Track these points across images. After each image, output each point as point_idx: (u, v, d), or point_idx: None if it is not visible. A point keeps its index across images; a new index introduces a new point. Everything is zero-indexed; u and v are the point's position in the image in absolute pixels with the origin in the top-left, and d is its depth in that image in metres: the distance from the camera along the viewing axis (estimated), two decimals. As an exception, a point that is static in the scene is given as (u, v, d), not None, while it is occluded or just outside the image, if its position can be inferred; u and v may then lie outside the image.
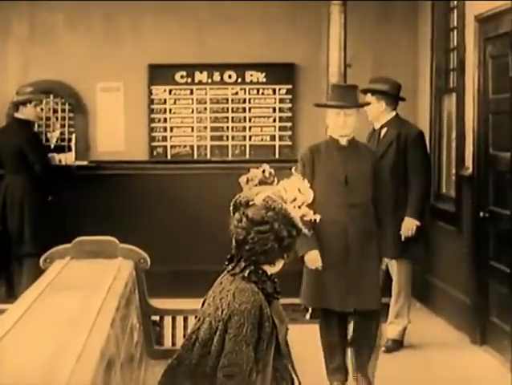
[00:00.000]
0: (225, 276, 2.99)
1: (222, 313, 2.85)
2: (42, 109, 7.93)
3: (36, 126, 8.34)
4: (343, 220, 5.13)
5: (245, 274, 2.92)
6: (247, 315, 2.82)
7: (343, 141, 5.21)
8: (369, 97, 6.34)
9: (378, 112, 6.33)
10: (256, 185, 2.97)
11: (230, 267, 2.98)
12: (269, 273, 2.99)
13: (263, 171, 2.99)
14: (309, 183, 4.47)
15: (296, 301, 7.45)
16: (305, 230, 2.94)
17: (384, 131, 6.35)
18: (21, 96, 7.53)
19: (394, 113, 6.38)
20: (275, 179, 3.01)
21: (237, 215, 2.94)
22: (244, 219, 2.91)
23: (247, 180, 2.98)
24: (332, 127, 5.24)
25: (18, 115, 7.52)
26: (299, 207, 2.94)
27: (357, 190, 5.17)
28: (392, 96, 6.33)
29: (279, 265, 3.00)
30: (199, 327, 2.91)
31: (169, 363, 2.96)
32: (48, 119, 8.48)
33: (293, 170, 3.04)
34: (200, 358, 2.86)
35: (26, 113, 7.49)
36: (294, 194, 2.93)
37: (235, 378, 2.78)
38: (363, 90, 6.36)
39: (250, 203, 2.93)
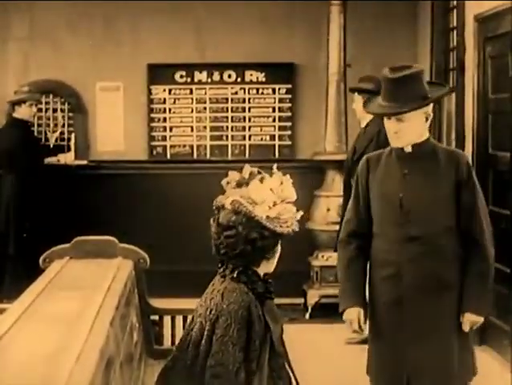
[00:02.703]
0: (217, 277, 3.00)
1: (210, 313, 2.86)
2: (40, 109, 7.98)
3: (36, 126, 8.36)
4: (395, 260, 3.68)
5: (234, 275, 2.92)
6: (234, 316, 2.82)
7: (408, 147, 3.71)
8: (356, 96, 6.40)
9: (363, 111, 6.35)
10: (234, 188, 2.96)
11: (222, 269, 2.99)
12: (260, 273, 2.98)
13: (243, 172, 2.98)
14: (361, 206, 3.82)
15: (296, 301, 7.48)
16: (284, 229, 2.90)
17: (367, 128, 6.38)
18: (16, 96, 7.58)
19: None
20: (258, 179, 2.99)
21: (211, 220, 2.96)
22: (214, 224, 2.92)
23: (227, 183, 2.98)
24: (388, 134, 3.77)
25: (14, 114, 7.59)
26: (274, 206, 2.92)
27: (420, 217, 3.65)
28: (378, 94, 6.31)
29: (267, 265, 2.99)
30: (192, 328, 2.92)
31: (165, 365, 2.96)
32: (48, 118, 8.48)
33: (274, 168, 3.02)
34: (193, 358, 2.87)
35: (21, 113, 7.56)
36: (264, 194, 2.90)
37: (221, 378, 2.78)
38: (351, 89, 6.56)
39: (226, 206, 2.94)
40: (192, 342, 2.88)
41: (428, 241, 3.64)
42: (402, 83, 3.62)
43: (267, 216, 2.87)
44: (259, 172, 2.97)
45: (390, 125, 3.67)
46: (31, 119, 7.81)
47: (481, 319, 3.68)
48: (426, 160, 3.71)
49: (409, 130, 3.64)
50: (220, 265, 3.00)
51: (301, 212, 2.97)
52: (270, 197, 2.89)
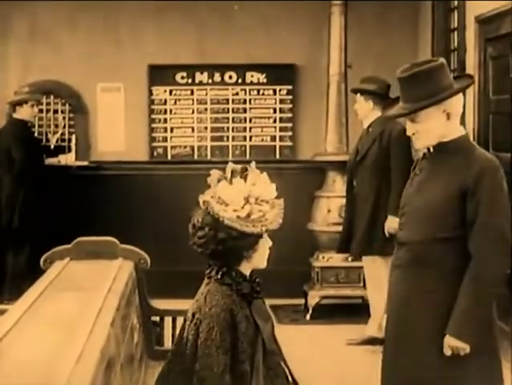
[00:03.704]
0: (205, 279, 3.02)
1: (194, 317, 2.88)
2: (41, 110, 7.99)
3: (37, 126, 8.36)
4: (392, 265, 3.52)
5: (218, 277, 2.93)
6: (216, 319, 2.83)
7: (431, 148, 3.42)
8: (358, 97, 6.40)
9: (366, 112, 6.35)
10: (216, 186, 2.98)
11: (208, 270, 3.01)
12: (246, 273, 2.99)
13: (226, 170, 2.99)
14: None
15: (296, 301, 7.48)
16: (256, 229, 2.90)
17: (370, 129, 6.38)
18: (17, 96, 7.58)
19: None
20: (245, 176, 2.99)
21: (192, 219, 2.99)
22: (190, 224, 2.95)
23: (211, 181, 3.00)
24: None
25: (15, 115, 7.59)
26: (246, 204, 2.92)
27: (411, 222, 3.41)
28: (381, 96, 6.32)
29: (250, 264, 2.99)
30: (183, 331, 2.94)
31: (161, 370, 2.98)
32: (49, 119, 8.48)
33: (251, 166, 3.02)
34: (186, 362, 2.88)
35: (22, 113, 7.55)
36: (232, 194, 2.91)
37: (206, 382, 2.79)
38: (352, 90, 6.55)
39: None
40: (183, 346, 2.89)
41: (415, 249, 3.34)
42: (411, 82, 3.31)
43: (238, 216, 2.88)
44: (245, 170, 2.97)
45: (407, 127, 3.40)
46: (32, 119, 7.81)
47: (462, 345, 3.24)
48: (441, 162, 3.37)
49: (426, 131, 3.33)
50: (207, 267, 3.01)
51: (274, 212, 2.95)
52: (238, 197, 2.90)
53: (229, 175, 2.95)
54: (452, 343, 3.24)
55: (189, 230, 2.96)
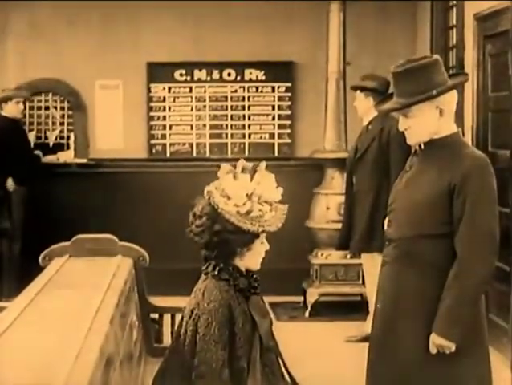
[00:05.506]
0: (201, 275, 3.03)
1: (192, 313, 2.88)
2: (39, 107, 7.98)
3: (36, 124, 8.36)
4: (382, 261, 3.49)
5: (216, 272, 2.94)
6: (215, 314, 2.83)
7: (422, 144, 3.40)
8: (358, 94, 6.40)
9: (366, 109, 6.35)
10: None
11: (205, 266, 3.02)
12: (242, 269, 2.99)
13: (237, 166, 3.00)
14: None
15: (295, 299, 7.48)
16: (254, 227, 2.90)
17: (369, 127, 6.37)
18: (2, 93, 7.60)
19: None
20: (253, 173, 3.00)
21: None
22: (191, 212, 2.97)
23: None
24: None
25: (3, 112, 7.60)
26: (247, 201, 2.93)
27: (399, 219, 3.39)
28: (381, 93, 6.31)
29: (244, 262, 2.99)
30: (181, 329, 2.94)
31: (159, 367, 2.98)
32: (47, 117, 8.48)
33: (261, 165, 3.02)
34: (183, 359, 2.88)
35: (8, 110, 7.58)
36: (235, 190, 2.92)
37: (205, 378, 2.79)
38: (352, 87, 6.56)
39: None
40: (181, 343, 2.89)
41: (402, 246, 3.32)
42: (404, 77, 3.30)
43: (237, 212, 2.88)
44: (255, 169, 2.98)
45: (400, 122, 3.38)
46: (19, 116, 7.80)
47: (446, 343, 3.21)
48: (430, 159, 3.34)
49: (418, 126, 3.31)
50: (203, 263, 3.02)
51: (275, 215, 2.96)
52: (241, 192, 2.91)
53: (239, 170, 2.96)
54: (437, 342, 3.22)
55: (189, 219, 2.97)
